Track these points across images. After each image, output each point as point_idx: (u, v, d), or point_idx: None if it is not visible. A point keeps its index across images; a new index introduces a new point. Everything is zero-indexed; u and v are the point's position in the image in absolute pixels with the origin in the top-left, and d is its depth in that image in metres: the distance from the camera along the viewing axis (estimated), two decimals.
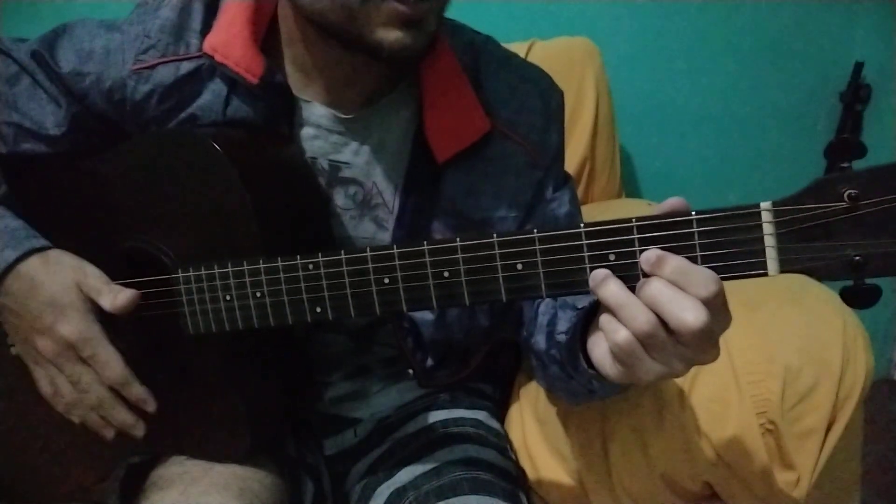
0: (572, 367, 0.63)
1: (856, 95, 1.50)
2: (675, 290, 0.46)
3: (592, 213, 1.11)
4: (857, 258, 0.45)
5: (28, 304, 0.66)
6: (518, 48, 1.23)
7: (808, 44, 1.50)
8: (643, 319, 0.47)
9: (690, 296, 0.46)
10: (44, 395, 0.70)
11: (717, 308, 0.47)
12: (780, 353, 0.75)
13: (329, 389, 0.85)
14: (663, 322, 0.47)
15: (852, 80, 1.51)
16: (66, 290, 0.65)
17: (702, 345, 0.48)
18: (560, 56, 1.27)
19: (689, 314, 0.45)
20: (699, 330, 0.46)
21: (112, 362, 0.66)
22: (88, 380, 0.66)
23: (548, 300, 0.73)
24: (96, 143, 0.74)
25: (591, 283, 0.49)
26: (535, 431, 0.86)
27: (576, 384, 0.66)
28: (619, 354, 0.49)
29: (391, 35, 0.60)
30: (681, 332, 0.46)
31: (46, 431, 0.79)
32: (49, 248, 0.68)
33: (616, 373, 0.51)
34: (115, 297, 0.66)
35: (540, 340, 0.72)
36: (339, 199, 0.75)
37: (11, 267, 0.66)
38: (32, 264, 0.66)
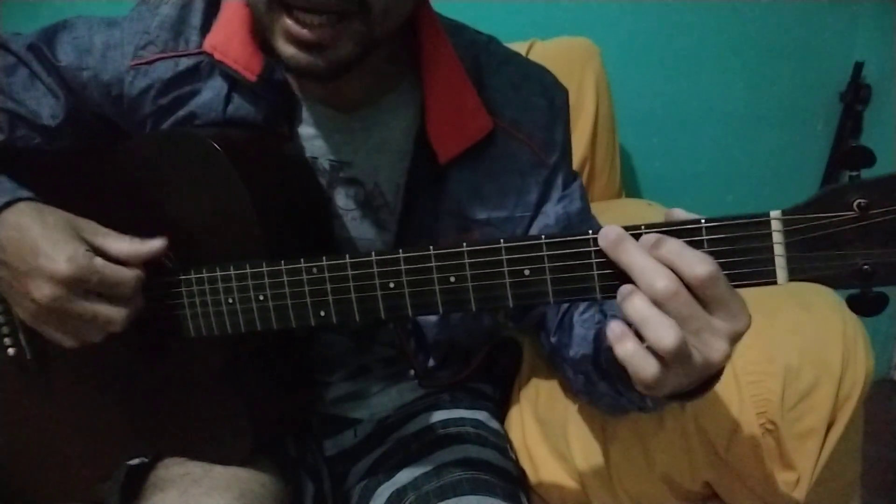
0: (624, 386, 0.62)
1: (856, 95, 1.50)
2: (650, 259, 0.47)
3: (593, 212, 1.11)
4: (866, 267, 0.45)
5: (17, 249, 0.62)
6: (518, 48, 1.21)
7: (808, 44, 1.50)
8: (673, 334, 0.46)
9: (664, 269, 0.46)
10: (71, 348, 0.65)
11: (713, 292, 0.46)
12: (780, 353, 0.75)
13: (329, 390, 0.85)
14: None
15: (852, 80, 1.51)
16: (56, 229, 0.62)
17: (704, 332, 0.47)
18: (560, 56, 1.27)
19: (660, 280, 0.45)
20: (668, 293, 0.45)
21: (123, 275, 0.62)
22: (107, 312, 0.62)
23: (586, 308, 0.73)
24: (92, 138, 0.74)
25: (618, 297, 0.48)
26: (535, 432, 0.86)
27: (625, 401, 0.65)
28: (631, 368, 0.48)
29: (287, 50, 0.59)
30: (659, 302, 0.46)
31: (47, 432, 0.79)
32: (35, 199, 0.65)
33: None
34: (144, 242, 0.63)
35: (585, 354, 0.70)
36: (340, 199, 0.75)
37: None
38: (21, 210, 0.63)
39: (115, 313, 0.63)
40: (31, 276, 0.61)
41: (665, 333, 0.46)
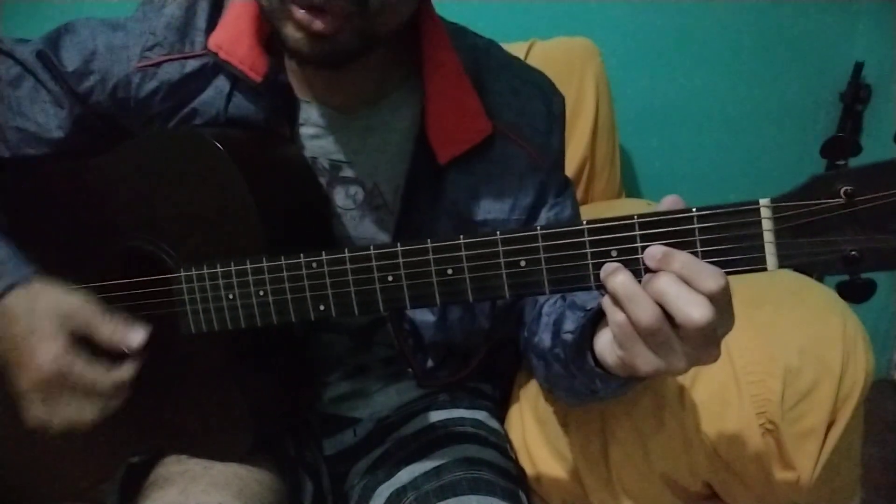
0: (577, 367, 0.63)
1: (856, 95, 1.50)
2: (683, 285, 0.47)
3: (593, 213, 1.10)
4: (853, 253, 0.46)
5: (9, 339, 0.63)
6: (518, 48, 1.23)
7: (808, 44, 1.50)
8: (650, 312, 0.47)
9: (697, 292, 0.47)
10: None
11: (722, 306, 0.47)
12: (780, 353, 0.75)
13: (328, 389, 0.85)
14: (669, 317, 0.47)
15: (852, 80, 1.51)
16: (43, 322, 0.63)
17: (704, 343, 0.48)
18: (560, 56, 1.27)
19: (695, 309, 0.46)
20: (704, 326, 0.46)
21: (97, 380, 0.63)
22: (77, 406, 0.64)
23: (555, 300, 0.73)
24: (99, 143, 0.74)
25: (602, 273, 0.50)
26: (535, 431, 0.86)
27: (578, 383, 0.66)
28: (619, 336, 0.50)
29: (295, 35, 0.60)
30: (685, 327, 0.47)
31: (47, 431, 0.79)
32: (33, 277, 0.65)
33: (615, 360, 0.52)
34: (127, 334, 0.64)
35: (545, 339, 0.71)
36: (340, 198, 0.75)
37: None
38: (16, 298, 0.64)
39: (86, 412, 0.64)
40: (20, 366, 0.64)
41: (644, 313, 0.47)
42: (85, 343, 0.64)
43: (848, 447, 0.79)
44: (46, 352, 0.62)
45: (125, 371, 0.64)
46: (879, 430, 1.59)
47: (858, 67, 1.50)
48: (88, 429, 0.66)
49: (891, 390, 1.76)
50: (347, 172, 0.74)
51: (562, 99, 0.79)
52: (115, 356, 0.65)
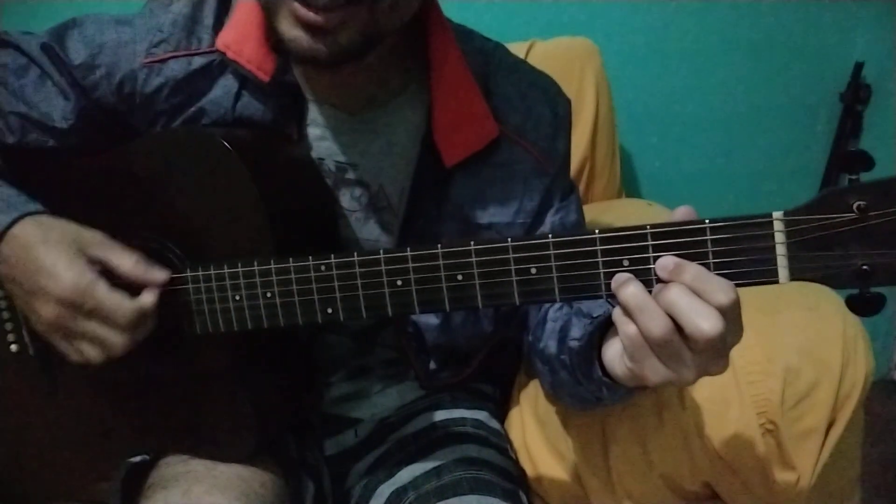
0: (583, 374, 0.63)
1: (856, 95, 1.50)
2: (693, 296, 0.47)
3: (593, 213, 1.11)
4: (865, 267, 0.46)
5: (23, 267, 0.63)
6: (518, 48, 1.23)
7: (808, 44, 1.50)
8: (661, 324, 0.47)
9: (708, 304, 0.47)
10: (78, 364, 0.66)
11: (732, 318, 0.48)
12: (780, 353, 0.75)
13: (330, 390, 0.85)
14: (679, 328, 0.47)
15: (852, 80, 1.51)
16: (59, 247, 0.63)
17: (713, 355, 0.49)
18: (560, 56, 1.27)
19: (705, 322, 0.46)
20: (714, 338, 0.46)
21: (120, 306, 0.61)
22: (104, 332, 0.63)
23: (560, 306, 0.73)
24: (103, 137, 0.74)
25: (613, 284, 0.50)
26: (535, 431, 0.86)
27: (584, 390, 0.66)
28: (629, 348, 0.50)
29: (292, 32, 0.60)
30: (695, 339, 0.47)
31: (49, 429, 0.79)
32: (43, 212, 0.66)
33: (624, 371, 0.52)
34: (150, 268, 0.63)
35: (551, 345, 0.71)
36: (345, 200, 0.75)
37: (4, 232, 0.63)
38: (26, 227, 0.64)
39: (112, 338, 0.63)
40: (35, 295, 0.63)
41: (655, 325, 0.47)
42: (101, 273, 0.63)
43: (848, 447, 0.79)
44: (66, 273, 0.61)
45: (146, 299, 0.63)
46: (879, 430, 1.59)
47: (858, 67, 1.50)
48: (120, 355, 0.63)
49: (891, 390, 1.77)
50: (353, 174, 0.74)
51: (568, 102, 0.79)
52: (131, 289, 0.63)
